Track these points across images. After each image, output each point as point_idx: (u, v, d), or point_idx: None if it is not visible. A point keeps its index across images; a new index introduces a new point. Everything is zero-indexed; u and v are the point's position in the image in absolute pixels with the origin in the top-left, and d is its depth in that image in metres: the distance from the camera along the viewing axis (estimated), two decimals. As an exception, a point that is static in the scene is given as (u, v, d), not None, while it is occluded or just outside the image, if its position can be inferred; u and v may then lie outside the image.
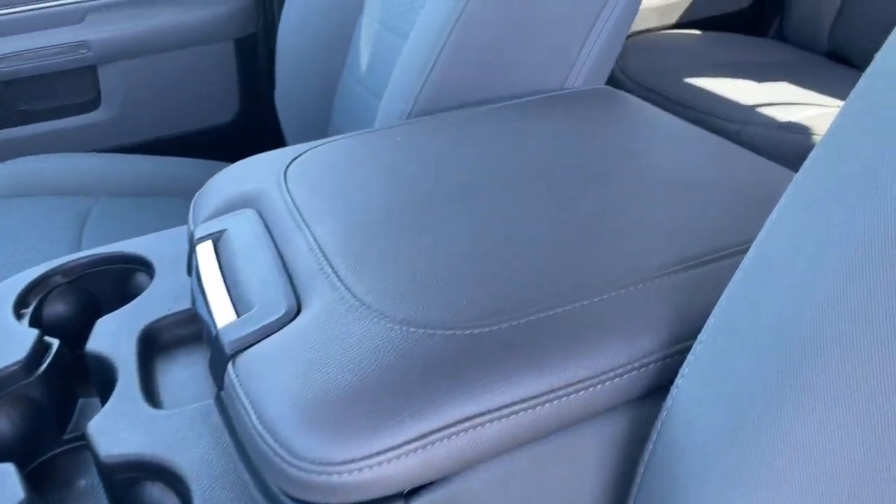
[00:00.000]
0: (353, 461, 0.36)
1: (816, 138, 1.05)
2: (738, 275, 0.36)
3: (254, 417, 0.38)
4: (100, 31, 1.17)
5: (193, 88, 1.25)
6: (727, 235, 0.48)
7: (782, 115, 1.09)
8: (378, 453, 0.36)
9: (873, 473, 0.30)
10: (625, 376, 0.40)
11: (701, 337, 0.37)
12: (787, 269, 0.34)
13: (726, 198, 0.52)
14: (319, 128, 1.09)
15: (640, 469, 0.38)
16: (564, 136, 0.61)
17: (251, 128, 1.30)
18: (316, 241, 0.48)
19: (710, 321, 0.37)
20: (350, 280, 0.44)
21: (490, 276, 0.44)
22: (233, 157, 1.29)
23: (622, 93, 0.73)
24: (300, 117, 1.11)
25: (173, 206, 1.00)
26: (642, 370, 0.40)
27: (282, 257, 0.49)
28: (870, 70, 0.34)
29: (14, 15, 1.12)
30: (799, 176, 0.35)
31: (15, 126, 1.17)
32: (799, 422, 0.31)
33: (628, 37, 1.48)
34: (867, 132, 0.32)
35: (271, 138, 1.22)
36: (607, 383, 0.39)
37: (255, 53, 1.29)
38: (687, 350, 0.38)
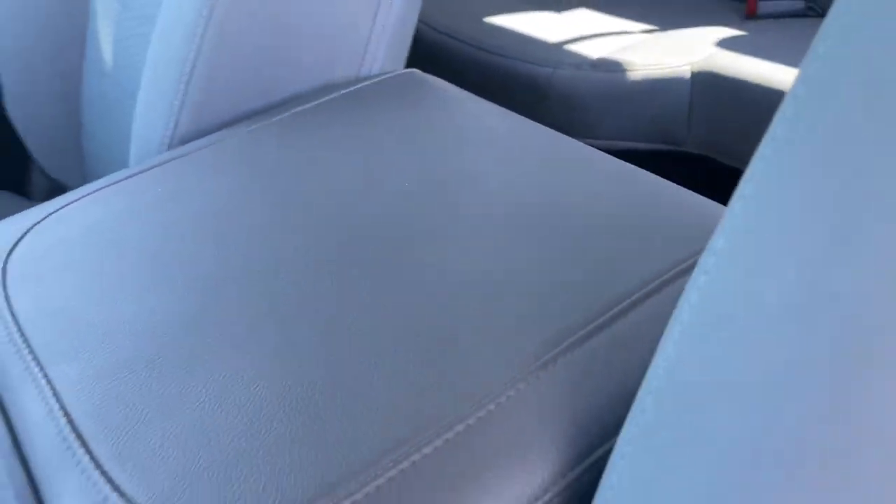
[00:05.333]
0: None
1: (629, 74, 0.99)
2: (673, 334, 0.26)
3: None
4: None
5: None
6: (617, 277, 0.38)
7: (594, 50, 1.02)
8: None
9: None
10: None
11: (619, 442, 0.27)
12: (756, 315, 0.24)
13: (591, 220, 0.42)
14: (70, 141, 0.89)
15: None
16: (375, 157, 0.49)
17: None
18: (57, 397, 0.34)
19: (633, 415, 0.27)
20: (112, 466, 0.30)
21: (314, 432, 0.31)
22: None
23: (428, 78, 0.61)
24: (43, 130, 0.90)
25: None
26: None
27: (10, 427, 0.34)
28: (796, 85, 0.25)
29: None
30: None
31: None
32: None
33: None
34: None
35: (12, 160, 0.99)
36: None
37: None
38: (600, 464, 0.29)
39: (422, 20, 1.20)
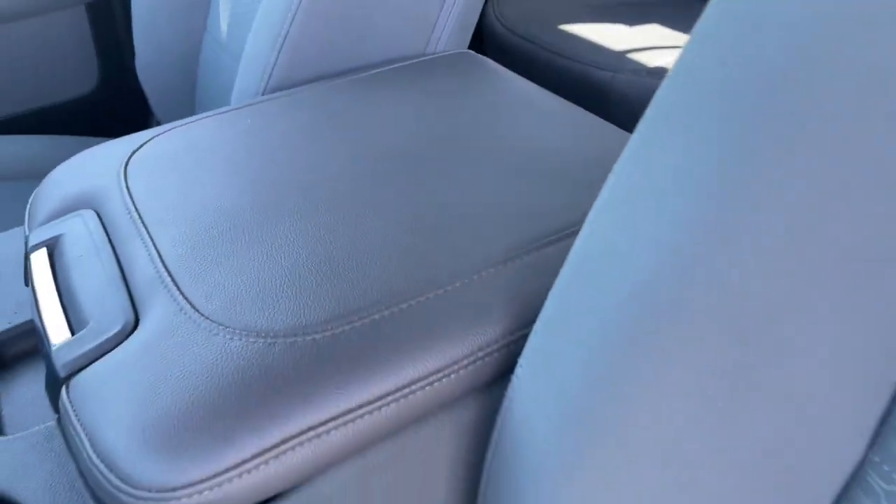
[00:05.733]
0: (193, 484, 0.35)
1: (684, 82, 1.07)
2: (571, 257, 0.36)
3: (88, 447, 0.37)
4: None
5: (47, 60, 1.16)
6: (574, 213, 0.48)
7: (652, 59, 1.10)
8: (219, 474, 0.35)
9: (710, 458, 0.31)
10: (469, 367, 0.40)
11: (536, 325, 0.37)
12: (611, 257, 0.34)
13: (577, 173, 0.52)
14: (185, 98, 1.04)
15: (487, 464, 0.38)
16: (420, 112, 0.60)
17: (113, 99, 1.23)
18: (156, 247, 0.46)
19: (545, 306, 0.37)
20: (190, 290, 0.43)
21: (335, 278, 0.43)
22: (95, 131, 1.22)
23: (481, 58, 0.72)
24: (164, 87, 1.05)
25: (27, 190, 0.93)
26: (486, 359, 0.40)
27: (120, 265, 0.47)
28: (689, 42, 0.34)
29: None
30: (623, 155, 0.35)
31: None
32: (628, 416, 0.32)
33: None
34: (685, 114, 0.32)
35: (136, 110, 1.15)
36: (452, 376, 0.40)
37: (111, 19, 1.21)
38: (527, 336, 0.39)
39: (500, 22, 1.31)
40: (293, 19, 0.68)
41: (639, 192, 0.33)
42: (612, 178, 0.35)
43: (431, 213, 0.48)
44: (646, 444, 0.32)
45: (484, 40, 1.34)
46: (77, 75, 1.20)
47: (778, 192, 0.28)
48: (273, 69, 0.70)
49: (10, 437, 0.44)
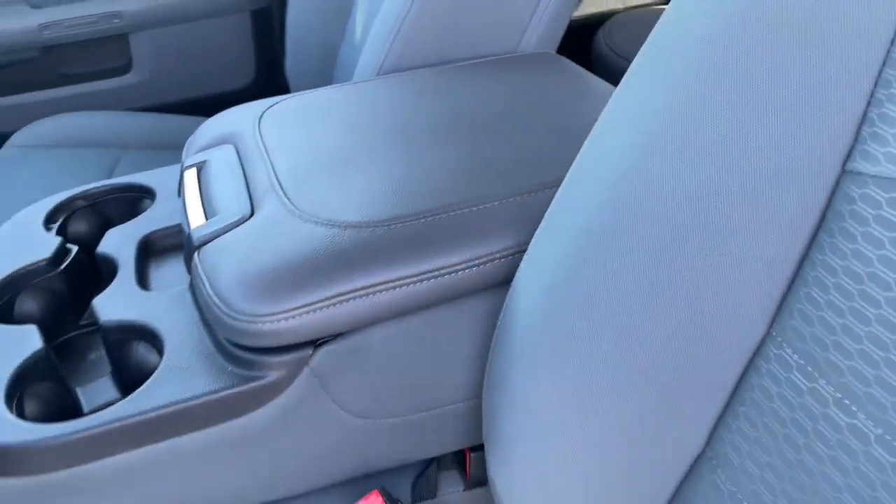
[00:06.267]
0: (272, 314, 0.49)
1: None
2: (562, 185, 0.47)
3: (208, 288, 0.52)
4: (131, 3, 1.31)
5: (214, 56, 1.39)
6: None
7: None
8: (290, 310, 0.49)
9: (647, 320, 0.40)
10: (487, 265, 0.52)
11: (533, 238, 0.49)
12: (584, 179, 0.45)
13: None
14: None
15: (494, 339, 0.50)
16: (494, 93, 0.73)
17: (265, 92, 1.44)
18: (273, 167, 0.61)
19: (542, 222, 0.49)
20: (292, 194, 0.57)
21: (401, 192, 0.56)
22: (247, 118, 1.42)
23: (563, 58, 0.84)
24: (307, 85, 1.24)
25: (188, 156, 1.14)
26: (501, 260, 0.52)
27: (246, 179, 0.62)
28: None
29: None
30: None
31: (56, 87, 1.32)
32: (590, 290, 0.42)
33: (619, 12, 1.58)
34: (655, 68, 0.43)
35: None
36: (473, 269, 0.52)
37: (269, 25, 1.42)
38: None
39: (612, 49, 1.42)
40: (405, 18, 0.83)
41: (610, 128, 0.44)
42: (597, 122, 0.46)
43: (478, 159, 0.60)
44: (602, 307, 0.42)
45: (594, 69, 1.45)
46: (236, 71, 1.42)
47: (699, 119, 0.39)
48: (386, 56, 0.85)
49: (156, 292, 0.60)
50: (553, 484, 0.45)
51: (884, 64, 0.34)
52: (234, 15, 1.39)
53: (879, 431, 0.32)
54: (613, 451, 0.43)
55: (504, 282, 0.52)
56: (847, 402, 0.34)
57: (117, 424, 0.48)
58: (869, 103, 0.34)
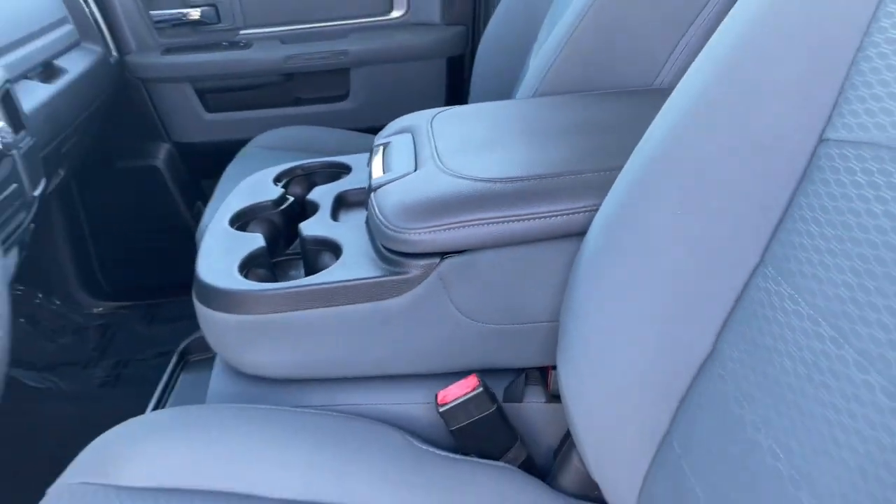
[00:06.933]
0: (415, 229, 0.70)
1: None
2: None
3: (377, 211, 0.75)
4: (356, 44, 1.64)
5: (414, 90, 1.68)
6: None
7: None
8: (428, 227, 0.70)
9: (671, 252, 0.57)
10: (571, 216, 0.70)
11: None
12: (637, 152, 0.63)
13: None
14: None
15: (570, 275, 0.68)
16: (610, 112, 0.92)
17: (449, 122, 1.71)
18: (435, 146, 0.84)
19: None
20: (444, 160, 0.79)
21: (518, 164, 0.77)
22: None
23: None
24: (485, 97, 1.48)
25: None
26: (580, 214, 0.70)
27: (415, 152, 0.85)
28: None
29: (302, 29, 1.63)
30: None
31: (290, 106, 1.67)
32: (632, 235, 0.60)
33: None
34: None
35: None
36: (560, 217, 0.70)
37: (460, 69, 1.70)
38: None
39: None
40: (559, 54, 1.05)
41: (659, 120, 0.62)
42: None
43: (579, 149, 0.79)
44: (639, 233, 0.59)
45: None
46: (428, 104, 1.70)
47: (717, 98, 0.56)
48: (540, 84, 1.06)
49: (344, 223, 0.84)
50: (599, 374, 0.61)
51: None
52: (434, 59, 1.68)
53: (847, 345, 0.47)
54: (645, 349, 0.58)
55: (582, 231, 0.71)
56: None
57: (302, 289, 0.72)
58: (844, 81, 0.48)
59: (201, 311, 0.76)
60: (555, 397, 0.79)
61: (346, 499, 0.64)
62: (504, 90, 1.42)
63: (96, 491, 0.63)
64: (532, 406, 0.79)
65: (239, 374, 0.79)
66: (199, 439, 0.67)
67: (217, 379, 0.81)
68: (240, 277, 0.76)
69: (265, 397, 0.77)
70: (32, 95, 1.16)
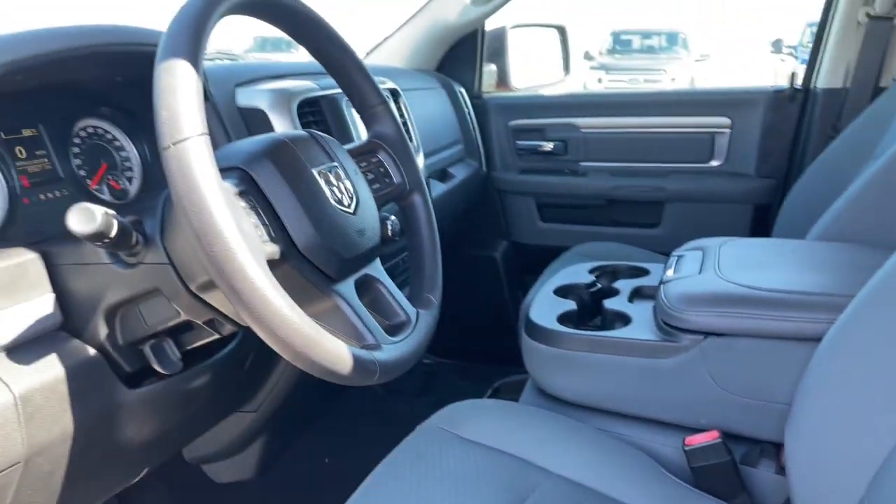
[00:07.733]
0: (689, 311, 0.97)
1: None
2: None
3: (663, 296, 1.03)
4: (673, 184, 1.95)
5: (719, 228, 1.93)
6: None
7: None
8: (699, 312, 0.97)
9: None
10: (814, 324, 0.92)
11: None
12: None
13: None
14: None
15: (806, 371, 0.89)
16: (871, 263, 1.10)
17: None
18: (718, 260, 1.10)
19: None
20: (722, 270, 1.05)
21: (778, 281, 1.00)
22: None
23: None
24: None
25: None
26: (821, 325, 0.91)
27: (702, 263, 1.12)
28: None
29: (630, 167, 1.99)
30: None
31: (610, 226, 2.02)
32: (870, 335, 0.81)
33: None
34: None
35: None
36: (802, 323, 0.92)
37: (766, 216, 1.91)
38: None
39: None
40: (845, 206, 1.24)
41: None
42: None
43: (830, 279, 1.00)
44: (866, 354, 0.80)
45: None
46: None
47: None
48: (827, 229, 1.26)
49: (634, 304, 1.13)
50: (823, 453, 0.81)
51: None
52: (742, 204, 1.92)
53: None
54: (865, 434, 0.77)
55: (818, 337, 0.91)
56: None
57: (601, 338, 1.03)
58: None
59: (527, 343, 1.10)
60: (782, 469, 0.98)
61: (612, 492, 0.91)
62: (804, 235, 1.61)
63: (447, 435, 0.97)
64: (762, 473, 0.99)
65: (543, 393, 1.11)
66: (514, 420, 0.99)
67: (527, 393, 1.13)
68: (558, 323, 1.08)
69: (558, 411, 1.08)
70: (432, 190, 1.64)
